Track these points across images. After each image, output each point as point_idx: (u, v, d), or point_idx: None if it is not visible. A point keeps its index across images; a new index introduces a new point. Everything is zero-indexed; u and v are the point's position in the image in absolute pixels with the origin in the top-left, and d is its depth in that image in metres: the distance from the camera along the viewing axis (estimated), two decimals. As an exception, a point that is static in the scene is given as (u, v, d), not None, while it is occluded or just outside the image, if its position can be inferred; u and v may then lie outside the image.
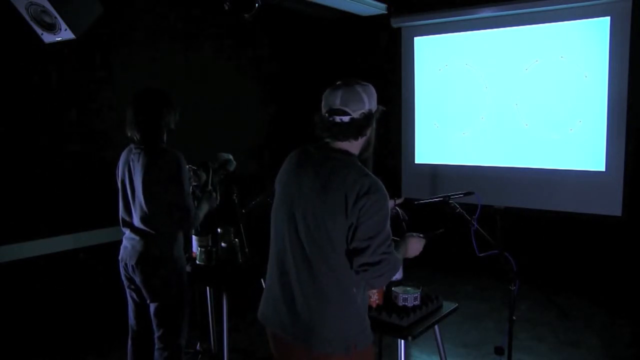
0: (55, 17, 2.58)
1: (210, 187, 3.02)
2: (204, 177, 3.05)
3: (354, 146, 1.91)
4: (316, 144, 1.95)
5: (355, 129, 1.86)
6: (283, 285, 1.89)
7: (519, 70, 5.41)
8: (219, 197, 3.12)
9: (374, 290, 2.40)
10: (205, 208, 2.87)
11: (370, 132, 1.93)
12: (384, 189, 1.81)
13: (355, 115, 1.84)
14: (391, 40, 6.17)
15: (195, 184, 3.04)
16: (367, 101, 1.87)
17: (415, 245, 2.15)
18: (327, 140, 1.92)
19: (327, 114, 1.87)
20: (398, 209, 2.22)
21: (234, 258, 3.19)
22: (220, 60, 5.16)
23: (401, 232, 2.23)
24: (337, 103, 1.85)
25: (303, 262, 1.84)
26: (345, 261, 1.81)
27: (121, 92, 4.16)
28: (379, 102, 1.94)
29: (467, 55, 5.70)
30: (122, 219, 2.77)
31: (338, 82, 1.90)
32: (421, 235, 2.20)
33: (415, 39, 6.03)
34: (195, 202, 2.88)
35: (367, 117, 1.87)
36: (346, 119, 1.84)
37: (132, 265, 2.69)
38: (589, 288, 5.03)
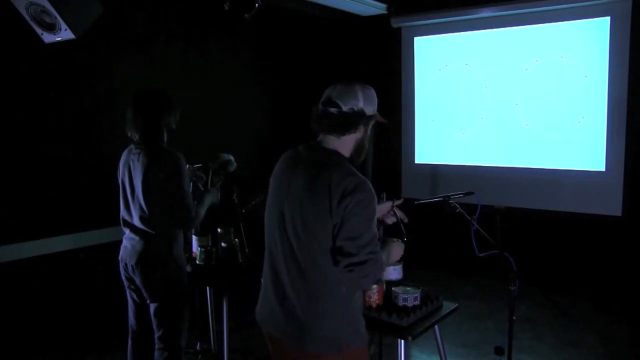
0: (55, 17, 2.58)
1: (209, 188, 3.02)
2: (203, 178, 3.05)
3: (343, 146, 1.90)
4: (307, 144, 1.95)
5: (342, 123, 1.86)
6: (275, 284, 1.91)
7: (519, 70, 5.41)
8: (219, 197, 3.13)
9: (374, 290, 2.40)
10: (207, 203, 2.88)
11: (361, 134, 1.92)
12: (372, 189, 1.80)
13: (345, 108, 1.85)
14: (391, 40, 6.17)
15: (203, 177, 3.04)
16: (362, 100, 1.87)
17: (396, 251, 2.12)
18: (319, 139, 1.93)
19: (320, 105, 1.89)
20: (396, 210, 2.21)
21: (234, 258, 3.20)
22: (220, 60, 5.16)
23: (399, 234, 2.23)
24: (332, 95, 1.87)
25: (293, 262, 1.84)
26: (332, 258, 1.80)
27: (121, 92, 4.16)
28: (379, 104, 1.94)
29: (467, 55, 5.70)
30: (123, 218, 2.77)
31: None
32: (397, 239, 2.17)
33: (415, 39, 6.03)
34: (195, 202, 2.88)
35: (357, 114, 1.86)
36: (334, 110, 1.85)
37: (132, 265, 2.69)
38: (589, 288, 5.03)
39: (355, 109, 1.86)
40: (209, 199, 2.91)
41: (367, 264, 1.76)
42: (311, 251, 1.81)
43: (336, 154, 1.89)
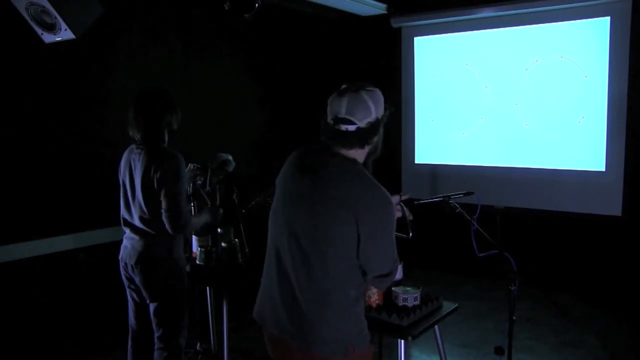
0: (55, 17, 2.58)
1: (208, 188, 3.02)
2: (201, 178, 3.06)
3: (359, 152, 1.88)
4: (318, 147, 1.91)
5: (361, 138, 1.82)
6: (281, 286, 1.88)
7: (519, 70, 5.41)
8: (219, 198, 3.13)
9: (374, 290, 2.40)
10: (204, 219, 2.89)
11: (377, 138, 1.89)
12: (390, 198, 1.81)
13: (362, 124, 1.80)
14: (391, 40, 6.17)
15: (199, 182, 3.04)
16: (374, 109, 1.82)
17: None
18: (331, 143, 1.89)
19: (332, 122, 1.83)
20: (403, 205, 2.20)
21: (234, 258, 3.19)
22: (220, 60, 5.15)
23: (404, 230, 2.22)
24: (342, 112, 1.80)
25: (302, 264, 1.82)
26: (344, 264, 1.79)
27: (121, 92, 4.16)
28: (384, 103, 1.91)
29: (467, 55, 5.70)
30: (123, 218, 2.78)
31: (344, 87, 1.85)
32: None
33: (415, 39, 6.03)
34: (195, 203, 2.88)
35: (374, 125, 1.83)
36: (352, 128, 1.80)
37: (132, 265, 2.69)
38: (589, 288, 5.03)
39: (371, 120, 1.82)
40: (208, 217, 2.92)
41: (392, 273, 1.87)
42: (325, 257, 1.79)
43: (354, 161, 1.85)
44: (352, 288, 1.83)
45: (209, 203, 3.02)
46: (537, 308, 4.65)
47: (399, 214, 2.18)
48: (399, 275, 2.52)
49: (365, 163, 1.92)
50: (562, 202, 5.26)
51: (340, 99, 1.82)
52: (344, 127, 1.81)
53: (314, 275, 1.80)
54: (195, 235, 3.26)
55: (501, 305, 4.54)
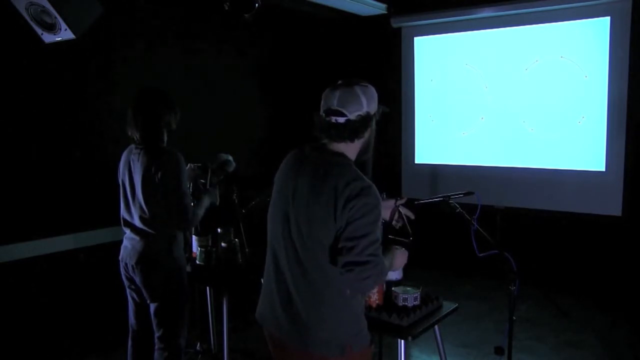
0: (55, 17, 2.58)
1: (209, 188, 3.03)
2: (203, 179, 3.06)
3: (350, 148, 1.89)
4: (313, 145, 1.94)
5: (350, 130, 1.84)
6: (279, 285, 1.90)
7: (519, 70, 5.41)
8: (218, 198, 3.13)
9: (374, 290, 2.40)
10: (206, 203, 2.88)
11: (368, 134, 1.91)
12: (377, 194, 1.79)
13: (352, 116, 1.82)
14: (391, 40, 6.17)
15: (202, 181, 3.05)
16: (365, 103, 1.84)
17: (400, 259, 2.09)
18: (325, 141, 1.91)
19: (324, 114, 1.86)
20: (401, 209, 2.19)
21: (234, 258, 3.20)
22: (220, 60, 5.16)
23: (405, 234, 2.21)
24: (334, 103, 1.83)
25: (296, 264, 1.84)
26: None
27: (121, 92, 4.16)
28: (379, 102, 1.92)
29: (467, 55, 5.70)
30: (123, 218, 2.78)
31: (339, 82, 1.89)
32: (402, 248, 2.14)
33: (415, 39, 6.03)
34: (195, 201, 2.88)
35: (364, 119, 1.84)
36: (342, 120, 1.82)
37: (132, 265, 2.69)
38: (589, 288, 5.03)
39: (362, 114, 1.83)
40: (208, 199, 2.91)
41: (368, 265, 1.72)
42: (315, 254, 1.80)
43: (343, 156, 1.87)
44: (347, 287, 1.82)
45: (202, 187, 3.02)
46: (537, 308, 4.64)
47: (399, 224, 2.18)
48: (399, 275, 2.52)
49: (358, 162, 1.92)
50: (562, 202, 5.25)
51: (334, 92, 1.85)
52: (334, 118, 1.83)
53: (308, 273, 1.81)
54: (195, 235, 3.26)
55: (501, 305, 4.54)
